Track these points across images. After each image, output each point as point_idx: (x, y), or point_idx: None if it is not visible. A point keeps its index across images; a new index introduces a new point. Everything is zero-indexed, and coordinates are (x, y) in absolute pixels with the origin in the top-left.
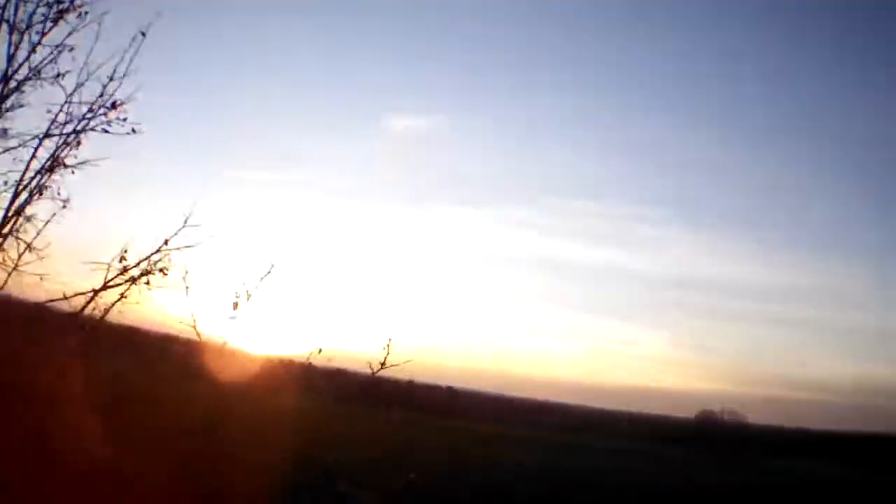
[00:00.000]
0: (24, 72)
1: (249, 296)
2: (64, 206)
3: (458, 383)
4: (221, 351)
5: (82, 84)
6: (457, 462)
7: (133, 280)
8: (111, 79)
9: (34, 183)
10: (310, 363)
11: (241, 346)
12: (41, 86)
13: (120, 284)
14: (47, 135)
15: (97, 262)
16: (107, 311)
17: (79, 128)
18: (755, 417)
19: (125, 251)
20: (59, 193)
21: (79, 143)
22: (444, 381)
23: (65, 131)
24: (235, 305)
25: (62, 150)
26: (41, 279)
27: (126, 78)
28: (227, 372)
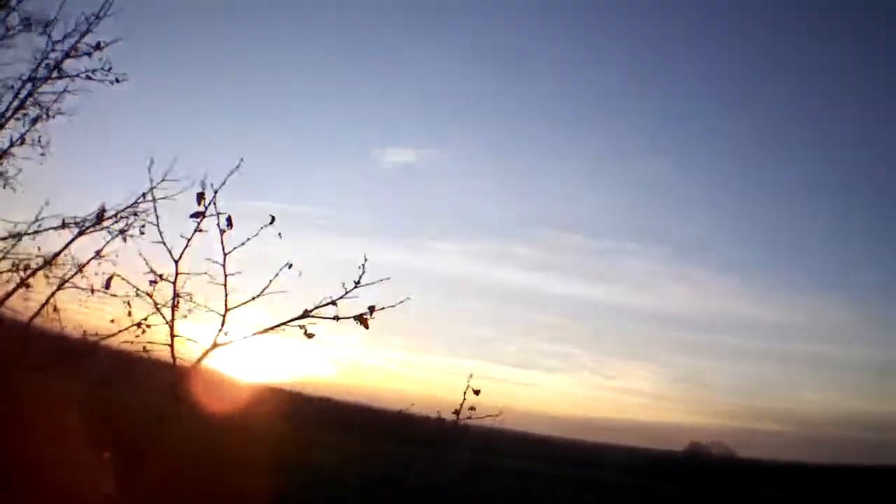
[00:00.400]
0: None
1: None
2: (43, 154)
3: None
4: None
5: (70, 34)
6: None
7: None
8: (95, 18)
9: (15, 126)
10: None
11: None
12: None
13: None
14: (30, 79)
15: (73, 218)
16: (81, 268)
17: (61, 66)
18: (746, 451)
19: (103, 205)
20: (39, 141)
21: (64, 90)
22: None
23: (48, 75)
24: (201, 198)
25: (43, 93)
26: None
27: (108, 18)
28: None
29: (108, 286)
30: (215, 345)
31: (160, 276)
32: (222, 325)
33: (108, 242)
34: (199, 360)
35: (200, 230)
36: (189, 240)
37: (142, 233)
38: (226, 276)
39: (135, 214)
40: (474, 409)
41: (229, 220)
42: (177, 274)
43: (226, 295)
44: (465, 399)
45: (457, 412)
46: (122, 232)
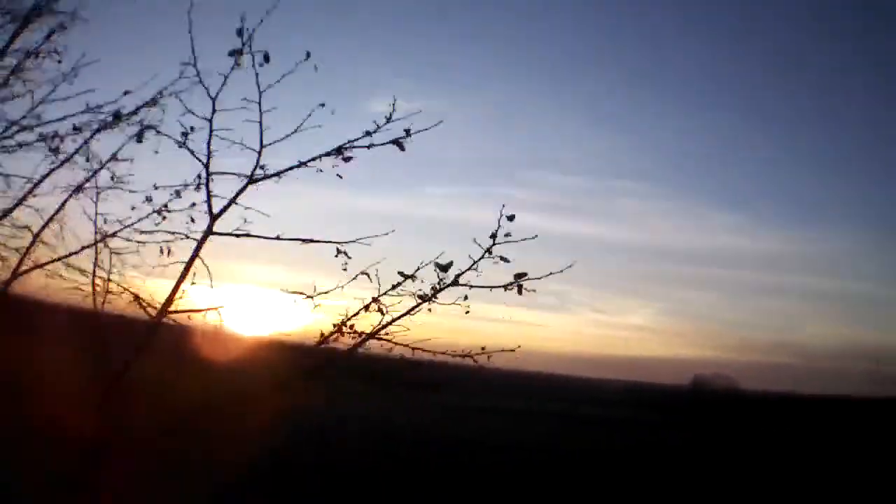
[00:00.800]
0: None
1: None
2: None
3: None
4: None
5: None
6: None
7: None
8: None
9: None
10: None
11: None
12: None
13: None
14: None
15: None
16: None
17: None
18: (748, 384)
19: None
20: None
21: None
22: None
23: None
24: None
25: None
26: None
27: None
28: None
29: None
30: (251, 179)
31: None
32: (257, 162)
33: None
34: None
35: (238, 65)
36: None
37: (158, 132)
38: (261, 112)
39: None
40: (485, 349)
41: (266, 55)
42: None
43: (261, 132)
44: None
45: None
46: (141, 132)
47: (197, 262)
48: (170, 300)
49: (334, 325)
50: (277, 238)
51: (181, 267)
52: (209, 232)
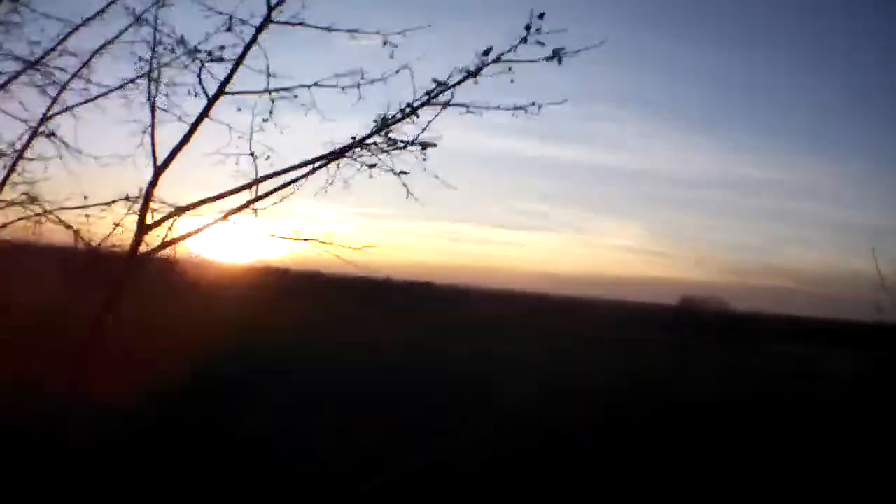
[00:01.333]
0: None
1: None
2: None
3: (437, 278)
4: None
5: None
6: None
7: None
8: None
9: None
10: None
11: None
12: None
13: None
14: None
15: None
16: None
17: None
18: (737, 305)
19: None
20: None
21: None
22: (423, 278)
23: None
24: None
25: None
26: None
27: None
28: None
29: None
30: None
31: None
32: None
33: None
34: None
35: None
36: None
37: None
38: None
39: None
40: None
41: None
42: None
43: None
44: None
45: None
46: None
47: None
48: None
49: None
50: (328, 29)
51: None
52: (267, 20)
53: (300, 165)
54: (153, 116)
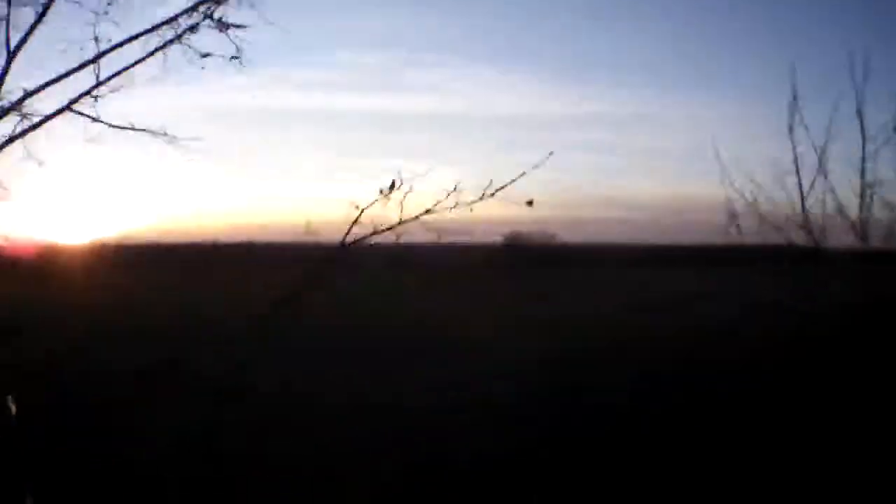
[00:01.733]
0: None
1: None
2: None
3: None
4: None
5: None
6: None
7: None
8: None
9: None
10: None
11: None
12: None
13: None
14: None
15: None
16: None
17: None
18: (568, 237)
19: None
20: None
21: None
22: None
23: None
24: None
25: None
26: None
27: None
28: None
29: None
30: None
31: None
32: None
33: None
34: None
35: None
36: None
37: None
38: None
39: None
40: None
41: None
42: None
43: None
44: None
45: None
46: None
47: None
48: None
49: None
50: None
51: None
52: None
53: (138, 35)
54: None
